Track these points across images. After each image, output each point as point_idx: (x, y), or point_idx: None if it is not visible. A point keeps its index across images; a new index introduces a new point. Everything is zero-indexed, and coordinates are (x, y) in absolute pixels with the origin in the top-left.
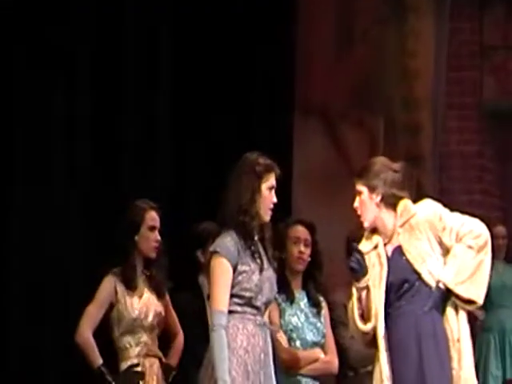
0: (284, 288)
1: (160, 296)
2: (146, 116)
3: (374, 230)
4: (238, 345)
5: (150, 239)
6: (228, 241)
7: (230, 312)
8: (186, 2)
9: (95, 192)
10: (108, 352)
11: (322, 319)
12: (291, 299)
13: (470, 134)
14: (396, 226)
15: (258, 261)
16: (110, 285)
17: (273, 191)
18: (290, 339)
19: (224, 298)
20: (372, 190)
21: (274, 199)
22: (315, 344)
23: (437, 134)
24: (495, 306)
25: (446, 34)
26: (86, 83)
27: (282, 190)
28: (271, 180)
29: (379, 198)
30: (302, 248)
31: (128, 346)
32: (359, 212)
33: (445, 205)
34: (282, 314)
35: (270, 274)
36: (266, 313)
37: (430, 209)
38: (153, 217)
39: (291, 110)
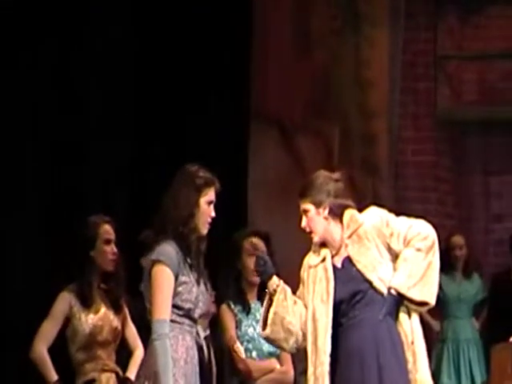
0: (240, 299)
1: (117, 310)
2: (108, 127)
3: (322, 243)
4: (178, 356)
5: (106, 253)
6: (170, 250)
7: (170, 322)
8: (142, 13)
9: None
10: (68, 368)
11: None
12: (247, 310)
13: (425, 144)
14: (343, 237)
15: (195, 273)
16: (64, 301)
17: (212, 205)
18: (246, 350)
19: (166, 307)
20: (318, 205)
21: (213, 213)
22: (271, 354)
23: (392, 144)
24: (451, 316)
25: (400, 44)
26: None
27: (237, 199)
28: (210, 194)
29: (327, 211)
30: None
31: (83, 361)
32: (308, 230)
33: (400, 214)
34: (238, 324)
35: (203, 287)
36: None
37: (376, 216)
38: (107, 230)
39: (247, 120)
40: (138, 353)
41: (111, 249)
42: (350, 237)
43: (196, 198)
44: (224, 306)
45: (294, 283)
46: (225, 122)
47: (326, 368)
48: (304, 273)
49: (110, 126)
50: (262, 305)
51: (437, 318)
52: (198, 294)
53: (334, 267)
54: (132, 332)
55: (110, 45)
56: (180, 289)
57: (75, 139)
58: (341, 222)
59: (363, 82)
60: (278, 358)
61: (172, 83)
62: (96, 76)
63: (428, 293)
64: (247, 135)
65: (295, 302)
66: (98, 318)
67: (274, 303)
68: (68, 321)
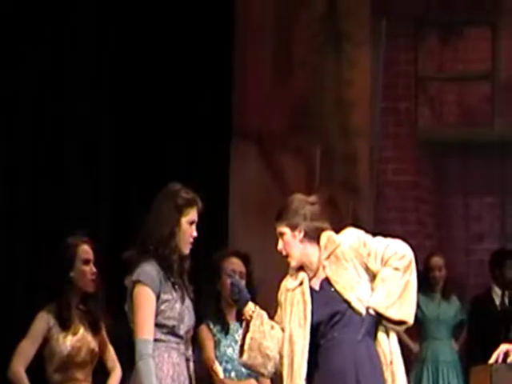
0: (219, 319)
1: (96, 332)
2: (86, 143)
3: (300, 267)
4: (164, 374)
5: (85, 273)
6: (151, 270)
7: (155, 341)
8: (122, 33)
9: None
10: None
11: None
12: (226, 330)
13: (406, 164)
14: (321, 259)
15: (179, 291)
16: (43, 321)
17: (193, 225)
18: (225, 370)
19: (149, 327)
20: (294, 228)
21: (194, 233)
22: (250, 375)
23: (373, 164)
24: (430, 337)
25: (381, 64)
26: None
27: (218, 216)
28: (192, 214)
29: (302, 234)
30: None
31: (60, 382)
32: (284, 253)
33: (380, 234)
34: (216, 345)
35: (188, 303)
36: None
37: (353, 236)
38: (86, 250)
39: (228, 138)
40: (116, 374)
41: (90, 269)
42: (327, 258)
43: (177, 218)
44: (203, 326)
45: (273, 301)
46: (205, 139)
47: None
48: (281, 296)
49: (89, 144)
50: (241, 325)
51: (415, 339)
52: (182, 311)
53: (312, 290)
54: (110, 353)
55: (84, 63)
56: (162, 307)
57: (54, 159)
58: (318, 244)
59: (344, 102)
60: (257, 378)
61: (153, 101)
62: (72, 99)
63: (406, 312)
64: (228, 153)
65: (272, 327)
66: (77, 339)
67: (251, 329)
68: (46, 341)
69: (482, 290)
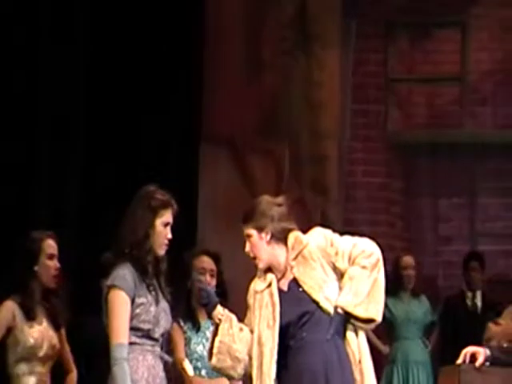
0: (190, 317)
1: (56, 328)
2: (57, 145)
3: (268, 268)
4: (139, 376)
5: (49, 268)
6: (125, 273)
7: (130, 344)
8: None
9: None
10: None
11: None
12: (197, 328)
13: (376, 166)
14: (289, 260)
15: (154, 293)
16: (8, 310)
17: (168, 227)
18: (195, 368)
19: (124, 331)
20: (261, 229)
21: (169, 235)
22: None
23: (342, 165)
24: (400, 337)
25: (350, 66)
26: None
27: (187, 218)
28: (167, 216)
29: (269, 235)
30: (208, 278)
31: (21, 373)
32: (252, 255)
33: (348, 234)
34: (187, 342)
35: (164, 305)
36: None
37: (320, 236)
38: (51, 245)
39: (198, 140)
40: (73, 377)
41: (54, 264)
42: (295, 258)
43: (151, 220)
44: (174, 324)
45: (242, 303)
46: (175, 142)
47: None
48: (250, 299)
49: (59, 144)
50: (212, 323)
51: (385, 340)
52: (157, 313)
53: (281, 291)
54: (68, 353)
55: (59, 66)
56: (137, 311)
57: (23, 157)
58: (285, 245)
59: (314, 104)
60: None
61: (123, 105)
62: (44, 95)
63: (374, 309)
64: (197, 155)
65: (241, 329)
66: (40, 332)
67: (220, 332)
68: (9, 330)
69: (450, 292)
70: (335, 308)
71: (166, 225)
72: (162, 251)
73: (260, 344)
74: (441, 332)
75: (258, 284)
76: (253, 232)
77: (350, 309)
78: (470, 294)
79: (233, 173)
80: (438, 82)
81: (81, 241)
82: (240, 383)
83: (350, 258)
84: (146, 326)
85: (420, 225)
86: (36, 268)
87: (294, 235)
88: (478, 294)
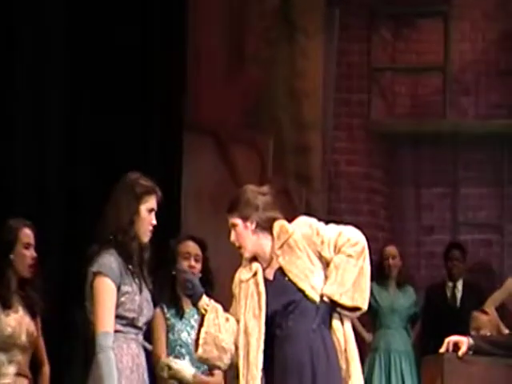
0: (174, 304)
1: (33, 316)
2: (36, 139)
3: (253, 258)
4: (124, 365)
5: (25, 257)
6: (111, 261)
7: (114, 332)
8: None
9: None
10: None
11: None
12: (181, 315)
13: (359, 155)
14: (274, 249)
15: (137, 281)
16: None
17: (152, 213)
18: (180, 355)
19: (110, 319)
20: (246, 219)
21: (154, 221)
22: None
23: (326, 155)
24: (383, 327)
25: (334, 55)
26: None
27: (171, 207)
28: (151, 202)
29: (254, 225)
30: (193, 262)
31: (1, 363)
32: (237, 244)
33: (332, 223)
34: (170, 329)
35: (147, 294)
36: None
37: (305, 225)
38: (27, 234)
39: (180, 130)
40: (46, 370)
41: (31, 254)
42: (280, 247)
43: (136, 206)
44: (157, 310)
45: (227, 291)
46: (158, 132)
47: (258, 383)
48: (236, 288)
49: (39, 132)
50: (197, 311)
51: (369, 328)
52: (141, 302)
53: (266, 280)
54: (42, 344)
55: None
56: (123, 299)
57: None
58: (270, 234)
59: (297, 93)
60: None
61: (105, 95)
62: (23, 84)
63: (360, 298)
64: (181, 145)
65: (227, 319)
66: (17, 321)
67: (205, 323)
68: None
69: (432, 282)
70: (321, 297)
71: (150, 211)
72: (146, 238)
73: (246, 334)
74: (423, 322)
75: (243, 273)
76: (238, 221)
77: (336, 297)
78: (450, 284)
79: (217, 162)
80: (420, 71)
81: (63, 231)
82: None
83: (335, 247)
84: (130, 315)
85: (402, 214)
86: (12, 257)
87: (280, 224)
88: (459, 284)
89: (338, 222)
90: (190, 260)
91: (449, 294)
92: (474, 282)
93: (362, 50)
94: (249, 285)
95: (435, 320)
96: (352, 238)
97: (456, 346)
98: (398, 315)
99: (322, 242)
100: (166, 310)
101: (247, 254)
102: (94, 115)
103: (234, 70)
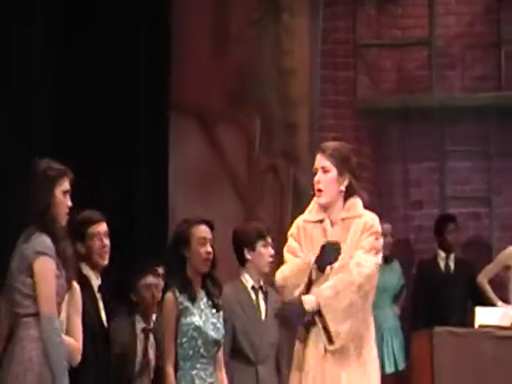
0: (186, 288)
1: None
2: (24, 122)
3: (320, 208)
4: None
5: None
6: (48, 242)
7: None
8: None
9: None
10: None
11: (221, 320)
12: (193, 298)
13: (346, 132)
14: (338, 218)
15: (60, 261)
16: None
17: (67, 195)
18: (192, 338)
19: (54, 301)
20: (341, 174)
21: (69, 203)
22: (216, 343)
23: (313, 132)
24: (375, 307)
25: (319, 33)
26: None
27: (158, 189)
28: (65, 184)
29: (345, 184)
30: (209, 248)
31: None
32: (320, 186)
33: None
34: (183, 313)
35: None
36: None
37: (373, 222)
38: None
39: (166, 111)
40: None
41: None
42: (343, 220)
43: (51, 189)
44: (169, 294)
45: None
46: (145, 113)
47: None
48: (300, 231)
49: (26, 121)
50: (206, 293)
51: None
52: (63, 284)
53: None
54: None
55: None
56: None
57: None
58: (344, 202)
59: (284, 72)
60: (219, 348)
61: (90, 77)
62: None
63: None
64: (167, 127)
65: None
66: None
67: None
68: None
69: (421, 256)
70: None
71: (65, 193)
72: (64, 221)
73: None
74: (414, 295)
75: (308, 215)
76: (333, 169)
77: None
78: (443, 255)
79: (203, 143)
80: (406, 46)
81: None
82: None
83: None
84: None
85: (391, 190)
86: None
87: (356, 200)
88: (452, 256)
89: None
90: (207, 246)
91: (442, 265)
92: (463, 254)
93: (348, 27)
94: (314, 227)
95: (426, 293)
96: (364, 271)
97: None
98: (387, 293)
99: (359, 247)
100: (177, 294)
101: (324, 200)
102: (79, 99)
103: (220, 50)
